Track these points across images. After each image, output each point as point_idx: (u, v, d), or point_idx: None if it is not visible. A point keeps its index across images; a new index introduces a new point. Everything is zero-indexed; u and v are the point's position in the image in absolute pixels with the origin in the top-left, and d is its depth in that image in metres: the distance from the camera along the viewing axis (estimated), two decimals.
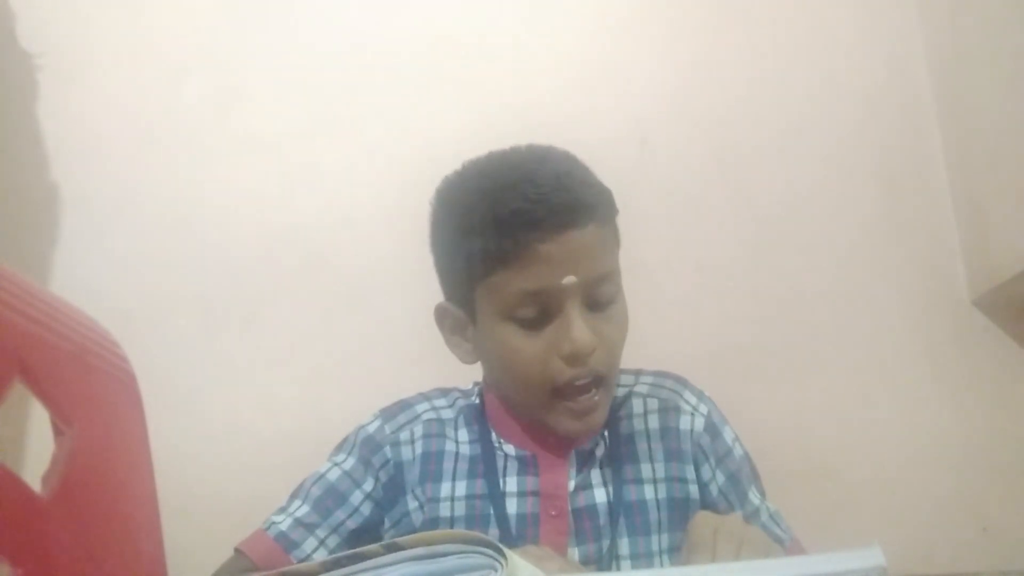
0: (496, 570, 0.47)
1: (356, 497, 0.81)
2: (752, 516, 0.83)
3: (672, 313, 1.10)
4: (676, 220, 1.12)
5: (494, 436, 0.83)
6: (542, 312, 0.74)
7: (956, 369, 1.08)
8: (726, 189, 1.13)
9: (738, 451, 0.86)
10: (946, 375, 1.08)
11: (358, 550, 0.51)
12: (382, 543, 0.50)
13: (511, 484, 0.80)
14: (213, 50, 1.20)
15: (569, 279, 0.72)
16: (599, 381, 0.76)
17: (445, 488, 0.80)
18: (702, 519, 0.67)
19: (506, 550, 0.48)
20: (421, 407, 0.86)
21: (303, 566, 0.52)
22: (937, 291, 1.10)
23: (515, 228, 0.72)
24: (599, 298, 0.76)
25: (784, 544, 0.81)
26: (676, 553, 0.79)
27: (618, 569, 0.76)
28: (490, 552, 0.48)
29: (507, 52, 1.18)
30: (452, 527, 0.78)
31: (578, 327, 0.73)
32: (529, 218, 0.72)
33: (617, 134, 1.14)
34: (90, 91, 1.19)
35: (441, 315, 0.82)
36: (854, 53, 1.16)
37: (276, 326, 1.12)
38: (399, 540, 0.50)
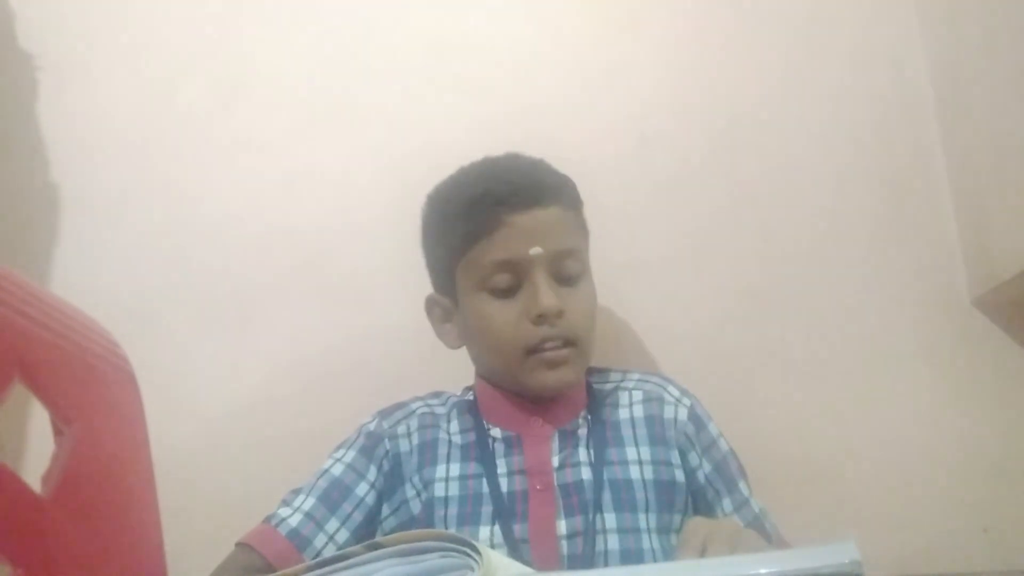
0: (473, 569, 0.48)
1: (362, 488, 0.85)
2: (742, 506, 0.85)
3: (670, 312, 1.10)
4: (674, 219, 1.12)
5: (485, 424, 0.88)
6: (514, 281, 0.84)
7: (956, 369, 1.07)
8: (724, 188, 1.13)
9: (723, 445, 0.89)
10: (946, 375, 1.07)
11: (341, 552, 0.52)
12: (364, 543, 0.52)
13: (500, 465, 0.85)
14: (213, 50, 1.20)
15: (536, 250, 0.82)
16: (570, 343, 0.84)
17: (440, 470, 0.85)
18: (694, 525, 0.68)
19: (482, 548, 0.49)
20: (415, 405, 0.92)
21: (290, 571, 0.53)
22: (937, 291, 1.10)
23: (486, 205, 0.83)
24: (566, 273, 0.85)
25: (770, 542, 0.82)
26: (664, 534, 0.82)
27: (606, 542, 0.80)
28: (467, 551, 0.49)
29: (507, 51, 1.18)
30: (447, 507, 0.82)
31: (544, 292, 0.82)
32: (498, 196, 0.83)
33: (616, 134, 1.14)
34: (90, 90, 1.19)
35: (431, 306, 0.92)
36: (855, 53, 1.16)
37: (276, 326, 1.12)
38: (380, 540, 0.51)
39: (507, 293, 0.84)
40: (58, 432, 0.47)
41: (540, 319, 0.82)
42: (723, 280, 1.11)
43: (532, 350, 0.83)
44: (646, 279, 1.09)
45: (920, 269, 1.10)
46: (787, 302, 1.10)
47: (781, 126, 1.14)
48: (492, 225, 0.82)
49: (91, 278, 1.12)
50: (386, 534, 0.83)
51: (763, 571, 0.47)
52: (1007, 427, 1.05)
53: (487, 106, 1.15)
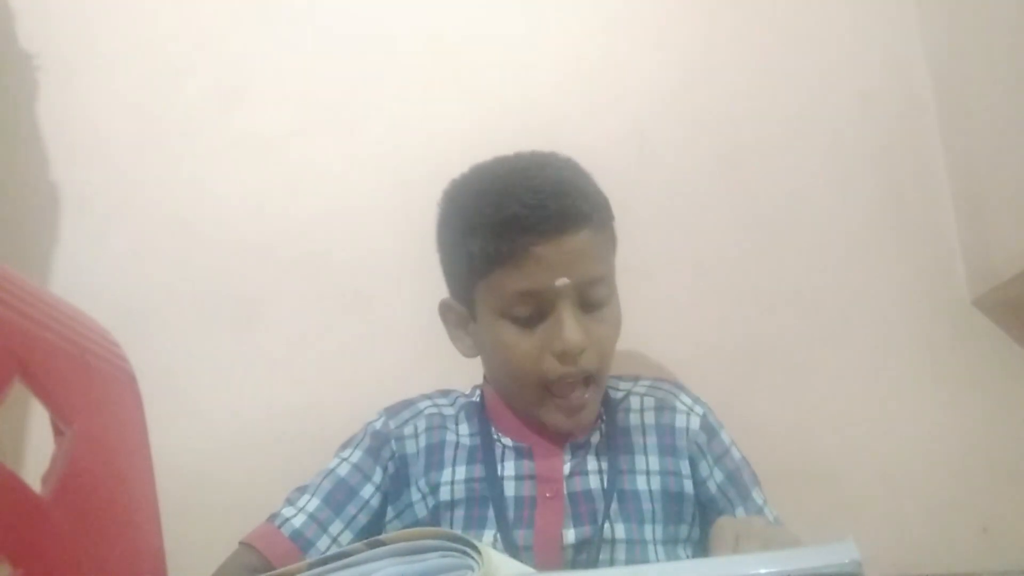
0: (473, 569, 0.48)
1: (367, 490, 0.84)
2: (756, 515, 0.84)
3: (671, 313, 1.10)
4: (675, 219, 1.12)
5: (493, 430, 0.86)
6: (536, 311, 0.78)
7: (956, 369, 1.08)
8: (725, 188, 1.13)
9: (736, 453, 0.88)
10: (946, 375, 1.07)
11: (342, 549, 0.52)
12: (365, 540, 0.52)
13: (508, 469, 0.83)
14: (213, 50, 1.20)
15: (562, 281, 0.76)
16: (589, 380, 0.80)
17: (446, 474, 0.83)
18: (724, 524, 0.67)
19: (483, 548, 0.49)
20: (423, 404, 0.90)
21: (291, 568, 0.53)
22: (937, 291, 1.10)
23: (512, 231, 0.76)
24: (592, 300, 0.79)
25: None
26: (670, 545, 0.81)
27: (613, 552, 0.78)
28: (467, 550, 0.49)
29: (507, 51, 1.18)
30: (453, 510, 0.81)
31: (569, 327, 0.76)
32: (525, 223, 0.76)
33: (616, 133, 1.14)
34: (90, 90, 1.19)
35: (445, 310, 0.88)
36: (854, 52, 1.16)
37: (276, 326, 1.12)
38: (381, 537, 0.51)
39: (529, 322, 0.78)
40: (58, 432, 0.47)
41: (563, 355, 0.77)
42: (723, 280, 1.11)
43: (550, 387, 0.79)
44: (646, 280, 1.09)
45: (920, 269, 1.10)
46: (787, 302, 1.10)
47: (781, 126, 1.14)
48: (517, 254, 0.76)
49: (91, 278, 1.12)
50: None
51: (763, 571, 0.47)
52: (1007, 427, 1.05)
53: (488, 106, 1.16)
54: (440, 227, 0.86)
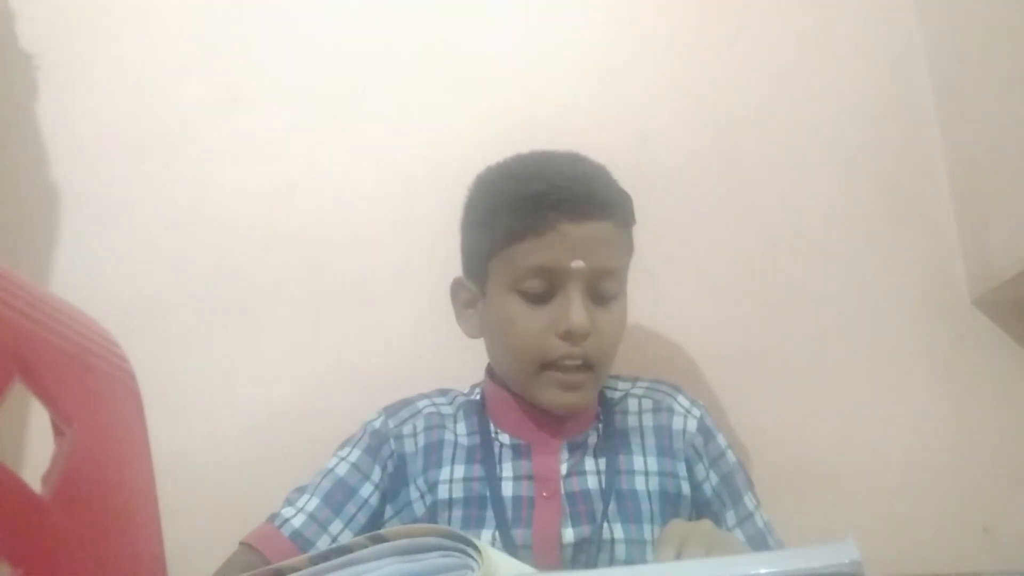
0: (473, 569, 0.48)
1: (366, 489, 0.84)
2: (746, 519, 0.85)
3: (672, 313, 1.10)
4: (676, 220, 1.12)
5: (492, 427, 0.86)
6: (547, 290, 0.80)
7: (956, 369, 1.08)
8: (726, 190, 1.13)
9: (731, 457, 0.88)
10: (946, 375, 1.08)
11: (343, 544, 0.52)
12: (367, 535, 0.52)
13: (506, 469, 0.83)
14: (213, 50, 1.20)
15: (578, 263, 0.78)
16: (588, 366, 0.81)
17: (444, 472, 0.83)
18: (673, 527, 0.68)
19: (483, 547, 0.49)
20: (422, 403, 0.90)
21: (293, 561, 0.53)
22: (937, 291, 1.10)
23: (538, 207, 0.79)
24: (602, 292, 0.81)
25: None
26: None
27: (612, 552, 0.79)
28: (467, 550, 0.49)
29: (508, 52, 1.18)
30: (451, 509, 0.81)
31: (577, 309, 0.78)
32: (552, 200, 0.79)
33: (617, 134, 1.14)
34: (90, 91, 1.19)
35: (456, 288, 0.89)
36: (855, 53, 1.16)
37: (276, 326, 1.12)
38: (382, 532, 0.51)
39: (538, 299, 0.80)
40: (58, 432, 0.47)
41: (566, 335, 0.79)
42: (722, 280, 1.11)
43: (549, 364, 0.80)
44: (645, 278, 1.09)
45: (920, 269, 1.10)
46: (787, 302, 1.10)
47: (781, 126, 1.14)
48: (540, 228, 0.78)
49: (91, 278, 1.12)
50: None
51: (763, 571, 0.47)
52: (1007, 427, 1.05)
53: (488, 106, 1.15)
54: (466, 206, 0.89)
